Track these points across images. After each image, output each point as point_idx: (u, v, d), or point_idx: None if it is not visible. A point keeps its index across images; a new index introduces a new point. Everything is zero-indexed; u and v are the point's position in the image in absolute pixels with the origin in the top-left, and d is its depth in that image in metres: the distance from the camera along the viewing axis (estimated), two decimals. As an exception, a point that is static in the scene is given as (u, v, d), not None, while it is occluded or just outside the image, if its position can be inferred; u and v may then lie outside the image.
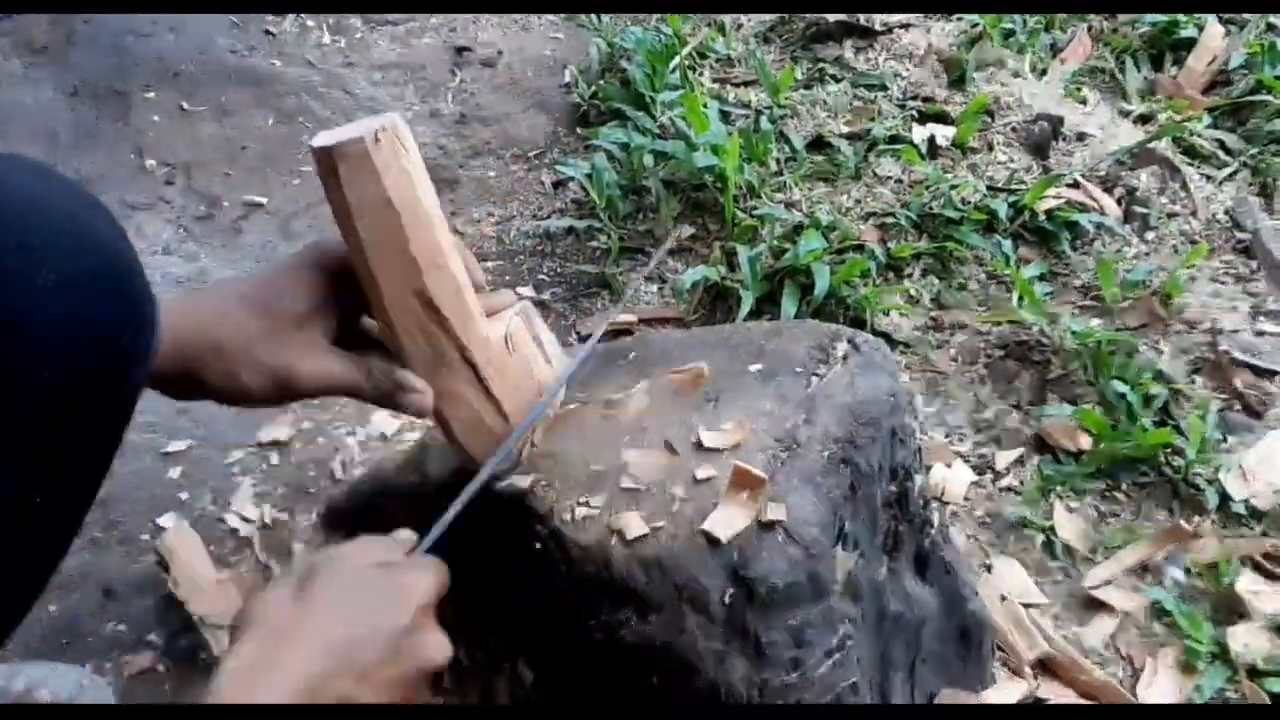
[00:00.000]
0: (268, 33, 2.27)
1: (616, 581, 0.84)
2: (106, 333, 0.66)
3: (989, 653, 1.17)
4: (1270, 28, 2.05)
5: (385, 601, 0.74)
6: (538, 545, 0.89)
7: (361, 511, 1.31)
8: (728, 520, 0.83)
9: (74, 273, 0.63)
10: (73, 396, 0.65)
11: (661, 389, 0.99)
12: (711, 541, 0.82)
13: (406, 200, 0.80)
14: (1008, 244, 1.64)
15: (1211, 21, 2.03)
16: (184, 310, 0.81)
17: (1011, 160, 1.79)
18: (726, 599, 0.82)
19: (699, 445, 0.90)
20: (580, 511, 0.87)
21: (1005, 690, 1.18)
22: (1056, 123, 1.82)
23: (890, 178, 1.77)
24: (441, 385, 0.87)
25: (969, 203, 1.68)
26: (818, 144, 1.86)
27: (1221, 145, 1.85)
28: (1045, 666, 1.22)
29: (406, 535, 0.82)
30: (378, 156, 0.78)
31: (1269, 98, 1.88)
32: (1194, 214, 1.71)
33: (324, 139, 0.79)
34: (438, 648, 0.76)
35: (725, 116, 1.89)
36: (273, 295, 0.83)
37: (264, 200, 1.91)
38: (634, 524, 0.84)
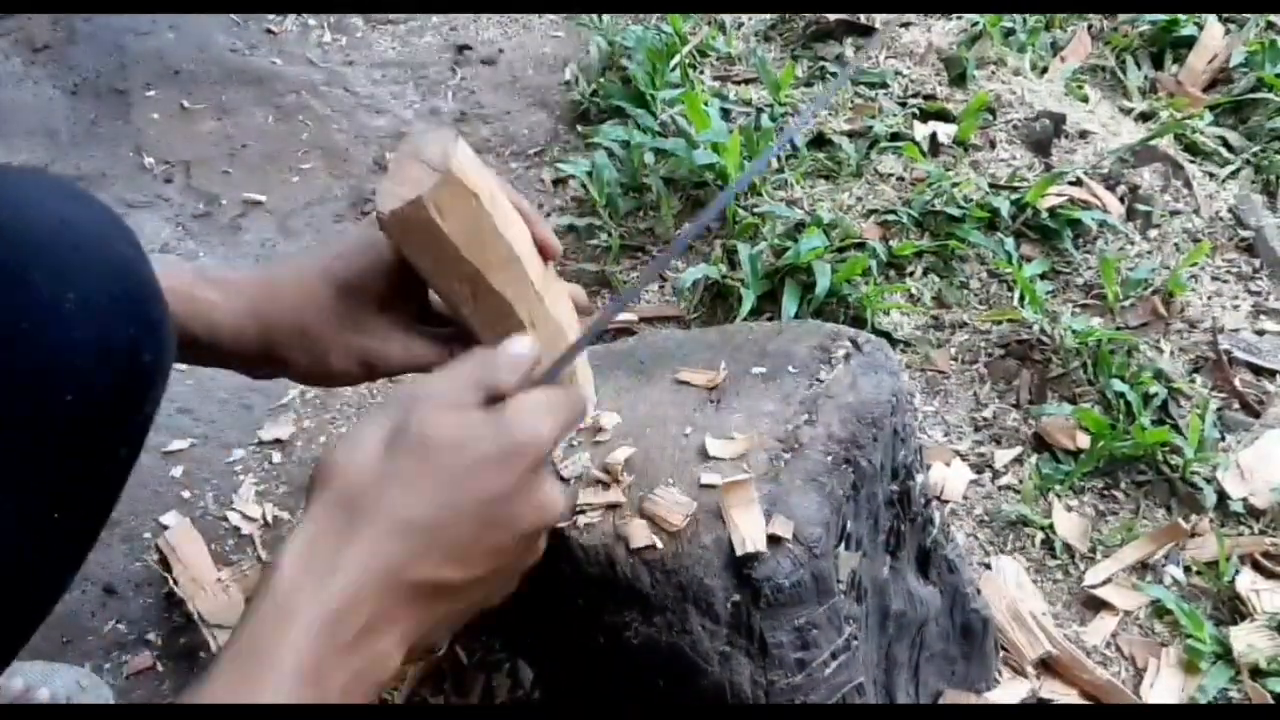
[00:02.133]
0: (268, 31, 2.27)
1: (621, 583, 0.84)
2: (125, 350, 0.66)
3: (992, 651, 1.17)
4: (1270, 26, 2.05)
5: (486, 465, 0.63)
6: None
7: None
8: (753, 537, 0.82)
9: (97, 295, 0.64)
10: (93, 413, 0.65)
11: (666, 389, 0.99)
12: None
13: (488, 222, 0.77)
14: (1010, 242, 1.64)
15: (1212, 20, 2.03)
16: (266, 292, 0.81)
17: (1013, 158, 1.79)
18: (731, 600, 0.82)
19: (703, 452, 0.90)
20: (586, 515, 0.87)
21: (1009, 690, 1.18)
22: (1058, 120, 1.82)
23: (892, 175, 1.77)
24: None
25: (971, 200, 1.68)
26: (819, 141, 1.86)
27: (1224, 143, 1.85)
28: (1047, 666, 1.22)
29: (522, 350, 0.69)
30: (459, 189, 0.74)
31: (1270, 95, 1.88)
32: (1197, 211, 1.71)
33: (394, 195, 0.73)
34: (547, 506, 0.66)
35: (726, 114, 1.89)
36: (355, 275, 0.82)
37: (263, 198, 1.91)
38: (639, 534, 0.84)
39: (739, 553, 0.81)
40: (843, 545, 0.88)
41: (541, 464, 0.65)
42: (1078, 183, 1.73)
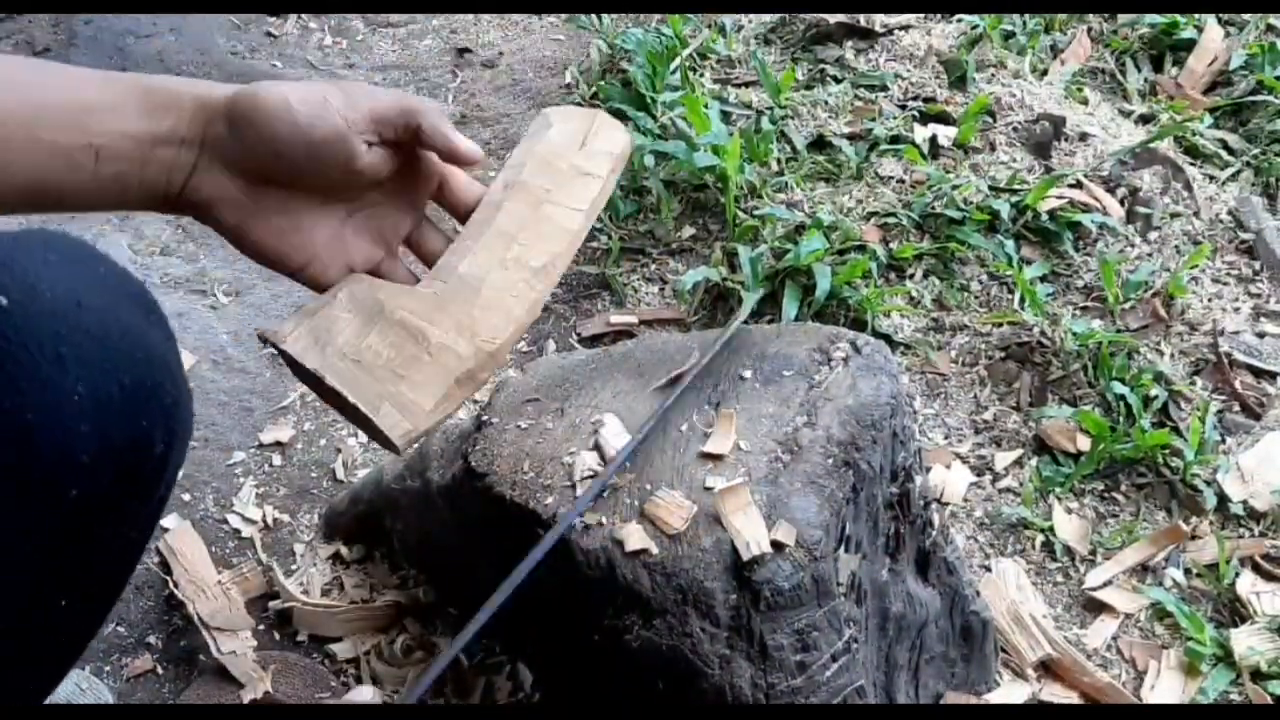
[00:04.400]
0: (269, 34, 2.27)
1: (621, 586, 0.84)
2: (135, 444, 0.64)
3: (992, 653, 1.17)
4: (1270, 28, 2.05)
5: None
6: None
7: (362, 518, 1.31)
8: (757, 540, 0.83)
9: (107, 386, 0.62)
10: (97, 504, 0.64)
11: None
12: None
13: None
14: (1010, 244, 1.64)
15: (1211, 22, 2.03)
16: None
17: (1013, 160, 1.79)
18: (731, 602, 0.82)
19: (702, 453, 0.90)
20: (586, 517, 0.87)
21: (1010, 692, 1.18)
22: (1058, 123, 1.82)
23: (892, 178, 1.77)
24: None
25: (971, 203, 1.68)
26: (819, 144, 1.86)
27: (1224, 145, 1.85)
28: (1047, 668, 1.22)
29: None
30: None
31: (1270, 98, 1.88)
32: (1197, 214, 1.71)
33: None
34: None
35: (726, 117, 1.89)
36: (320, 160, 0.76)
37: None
38: (634, 537, 0.84)
39: (745, 558, 0.81)
40: (843, 548, 0.88)
41: None
42: (1078, 185, 1.73)
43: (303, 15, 2.31)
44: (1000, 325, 1.58)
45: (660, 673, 0.84)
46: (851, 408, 0.93)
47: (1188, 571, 1.33)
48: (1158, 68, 2.04)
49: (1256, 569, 1.31)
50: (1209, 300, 1.60)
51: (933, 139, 1.82)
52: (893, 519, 0.98)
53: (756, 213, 1.70)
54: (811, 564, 0.83)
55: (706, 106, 1.81)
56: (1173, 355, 1.52)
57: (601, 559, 0.84)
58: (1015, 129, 1.84)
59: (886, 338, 1.57)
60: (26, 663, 0.67)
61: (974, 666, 1.13)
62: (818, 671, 0.83)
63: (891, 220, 1.69)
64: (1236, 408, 1.47)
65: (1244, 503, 1.37)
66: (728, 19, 2.15)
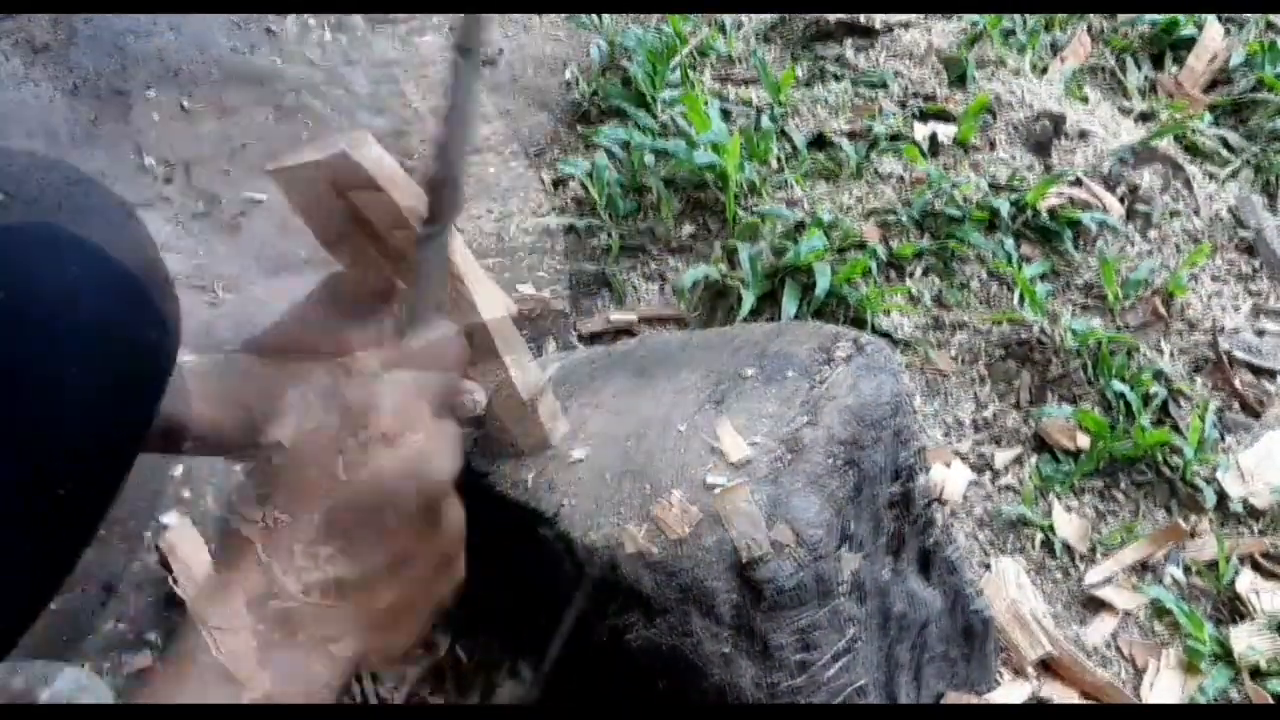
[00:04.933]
0: (269, 31, 2.27)
1: (623, 584, 0.84)
2: (127, 416, 0.66)
3: (993, 652, 1.17)
4: (1270, 26, 2.05)
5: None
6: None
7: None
8: (757, 540, 0.83)
9: (100, 377, 0.63)
10: (84, 478, 0.65)
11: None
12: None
13: None
14: (1010, 242, 1.64)
15: (1211, 20, 2.03)
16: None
17: (1013, 158, 1.79)
18: (733, 601, 0.82)
19: (712, 451, 0.90)
20: (590, 518, 0.87)
21: (1011, 691, 1.18)
22: (1058, 121, 1.82)
23: (892, 176, 1.77)
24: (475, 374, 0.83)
25: (971, 201, 1.68)
26: (819, 142, 1.86)
27: (1224, 143, 1.85)
28: (1047, 667, 1.22)
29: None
30: None
31: (1270, 96, 1.88)
32: (1197, 212, 1.71)
33: None
34: (417, 472, 0.60)
35: (726, 115, 1.89)
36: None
37: (263, 197, 1.91)
38: (636, 540, 0.85)
39: (744, 559, 0.81)
40: (845, 547, 0.88)
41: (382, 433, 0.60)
42: (1078, 183, 1.73)
43: (303, 14, 2.30)
44: (1000, 323, 1.58)
45: (662, 672, 0.84)
46: (853, 407, 0.93)
47: (1187, 570, 1.33)
48: (1158, 66, 2.04)
49: (1256, 567, 1.31)
50: (1209, 298, 1.60)
51: (933, 137, 1.82)
52: (895, 518, 0.99)
53: (756, 211, 1.70)
54: (813, 563, 0.83)
55: (706, 105, 1.81)
56: (1172, 354, 1.52)
57: (604, 557, 0.85)
58: (1015, 127, 1.84)
59: (886, 336, 1.57)
60: None
61: (975, 666, 1.13)
62: (819, 671, 0.83)
63: (891, 218, 1.69)
64: (1236, 406, 1.47)
65: (1243, 501, 1.37)
66: (727, 17, 2.15)
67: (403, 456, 0.59)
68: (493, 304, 0.78)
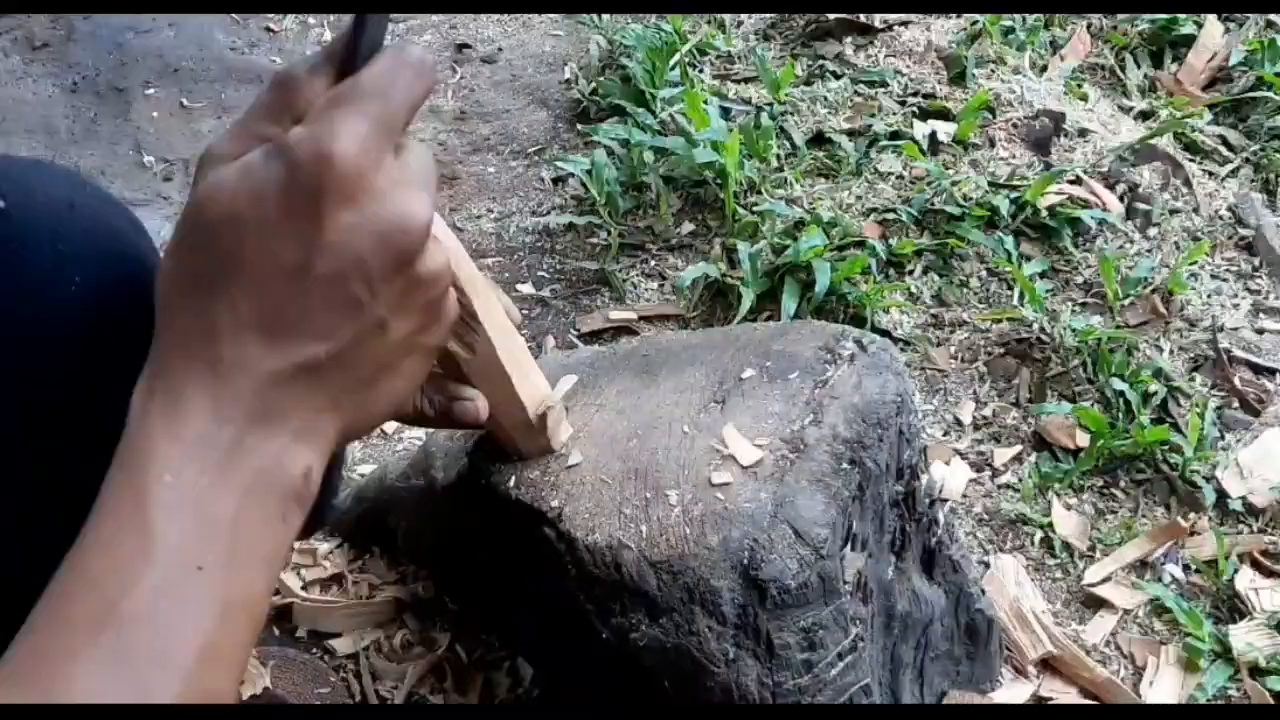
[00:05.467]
0: (268, 29, 2.27)
1: (627, 584, 0.84)
2: (124, 322, 0.66)
3: (997, 650, 1.17)
4: (1270, 25, 2.05)
5: (262, 214, 0.52)
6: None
7: (364, 515, 1.31)
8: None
9: (100, 278, 0.65)
10: (88, 381, 0.66)
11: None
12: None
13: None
14: (1009, 240, 1.64)
15: (1211, 19, 2.03)
16: None
17: (1013, 156, 1.79)
18: (738, 601, 0.82)
19: (709, 452, 0.90)
20: (593, 518, 0.87)
21: (1014, 690, 1.18)
22: (1058, 119, 1.82)
23: (891, 174, 1.77)
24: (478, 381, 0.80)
25: (970, 199, 1.69)
26: (818, 140, 1.86)
27: (1223, 141, 1.85)
28: (1047, 664, 1.22)
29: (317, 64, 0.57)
30: None
31: (1270, 94, 1.88)
32: (1196, 210, 1.71)
33: None
34: (395, 228, 0.54)
35: (725, 113, 1.89)
36: None
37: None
38: (636, 538, 0.85)
39: (749, 558, 0.82)
40: (849, 546, 0.88)
41: (360, 183, 0.53)
42: (1077, 181, 1.74)
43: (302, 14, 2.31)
44: (1000, 321, 1.58)
45: (666, 671, 0.84)
46: (858, 406, 0.93)
47: (1186, 567, 1.33)
48: (1157, 64, 2.05)
49: (1255, 565, 1.32)
50: (1208, 296, 1.60)
51: (932, 135, 1.82)
52: (898, 517, 0.99)
53: (756, 209, 1.70)
54: (818, 562, 0.83)
55: (706, 103, 1.81)
56: (1172, 351, 1.53)
57: (608, 557, 0.85)
58: (1015, 125, 1.85)
59: (886, 334, 1.57)
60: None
61: (979, 665, 1.14)
62: (824, 670, 0.83)
63: (891, 216, 1.69)
64: (1236, 404, 1.48)
65: (1243, 499, 1.37)
66: (727, 15, 2.15)
67: (368, 215, 0.53)
68: (496, 315, 0.77)
